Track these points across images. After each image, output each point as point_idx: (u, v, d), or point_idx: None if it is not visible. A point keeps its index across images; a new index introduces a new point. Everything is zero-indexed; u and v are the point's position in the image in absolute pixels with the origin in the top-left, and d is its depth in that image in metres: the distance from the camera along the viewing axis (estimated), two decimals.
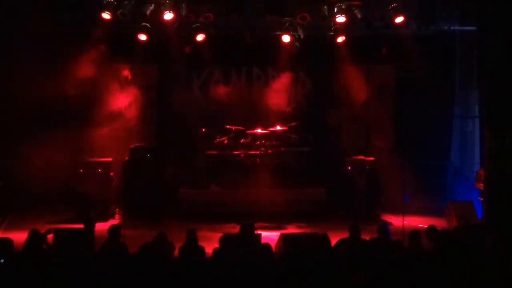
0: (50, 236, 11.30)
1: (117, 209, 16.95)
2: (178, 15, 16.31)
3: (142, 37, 16.63)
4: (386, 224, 12.74)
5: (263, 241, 11.72)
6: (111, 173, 16.89)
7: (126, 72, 17.83)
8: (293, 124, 17.91)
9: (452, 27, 17.44)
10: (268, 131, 17.59)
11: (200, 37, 16.98)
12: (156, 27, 16.56)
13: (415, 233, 10.82)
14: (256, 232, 12.18)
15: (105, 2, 15.77)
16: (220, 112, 18.25)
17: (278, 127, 17.68)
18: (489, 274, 9.01)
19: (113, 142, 16.85)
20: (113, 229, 11.28)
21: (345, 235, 11.51)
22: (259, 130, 17.53)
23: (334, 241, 11.18)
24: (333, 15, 16.52)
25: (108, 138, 16.81)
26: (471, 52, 17.58)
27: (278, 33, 17.20)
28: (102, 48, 16.78)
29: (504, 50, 14.56)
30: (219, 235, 11.37)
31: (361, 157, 17.30)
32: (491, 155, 15.20)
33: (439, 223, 15.81)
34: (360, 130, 18.73)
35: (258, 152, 17.37)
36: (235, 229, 13.52)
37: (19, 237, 11.17)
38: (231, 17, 16.57)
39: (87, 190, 16.39)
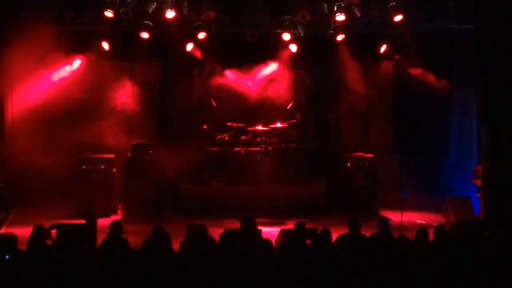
0: (53, 232, 11.25)
1: (119, 205, 17.11)
2: (180, 13, 16.42)
3: (144, 35, 16.75)
4: (386, 218, 12.84)
5: (263, 236, 11.83)
6: (114, 169, 17.04)
7: (128, 70, 17.98)
8: (293, 121, 18.05)
9: (450, 26, 17.59)
10: (269, 128, 17.72)
11: (201, 35, 17.14)
12: (158, 25, 16.70)
13: (422, 231, 10.92)
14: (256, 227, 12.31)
15: (107, 0, 15.92)
16: (221, 109, 18.41)
17: (279, 124, 17.80)
18: (486, 269, 9.00)
19: (115, 138, 17.00)
20: (114, 225, 11.26)
21: (344, 230, 11.62)
22: (259, 127, 17.66)
23: (334, 236, 11.34)
24: (333, 14, 16.67)
25: (111, 135, 16.97)
26: (468, 49, 17.66)
27: (278, 31, 17.35)
28: (104, 46, 16.93)
29: (501, 48, 14.68)
30: (219, 230, 11.46)
31: (360, 153, 17.41)
32: (488, 151, 15.31)
33: (437, 218, 16.03)
34: (359, 127, 18.84)
35: (258, 148, 17.49)
36: (235, 224, 13.63)
37: (23, 232, 11.26)
38: (232, 16, 16.68)
39: (90, 186, 16.58)
